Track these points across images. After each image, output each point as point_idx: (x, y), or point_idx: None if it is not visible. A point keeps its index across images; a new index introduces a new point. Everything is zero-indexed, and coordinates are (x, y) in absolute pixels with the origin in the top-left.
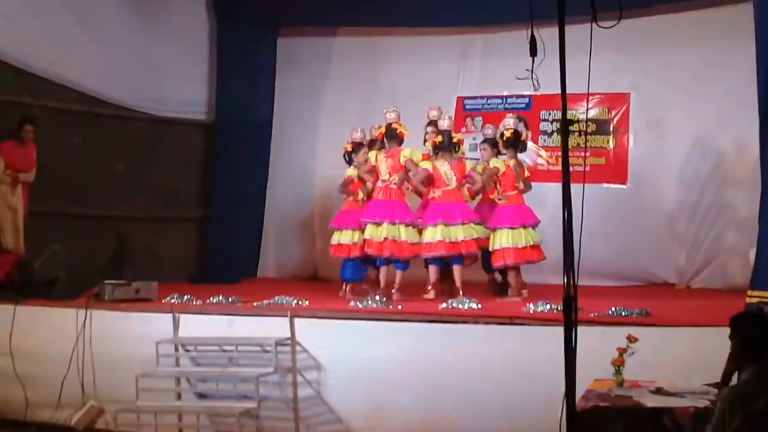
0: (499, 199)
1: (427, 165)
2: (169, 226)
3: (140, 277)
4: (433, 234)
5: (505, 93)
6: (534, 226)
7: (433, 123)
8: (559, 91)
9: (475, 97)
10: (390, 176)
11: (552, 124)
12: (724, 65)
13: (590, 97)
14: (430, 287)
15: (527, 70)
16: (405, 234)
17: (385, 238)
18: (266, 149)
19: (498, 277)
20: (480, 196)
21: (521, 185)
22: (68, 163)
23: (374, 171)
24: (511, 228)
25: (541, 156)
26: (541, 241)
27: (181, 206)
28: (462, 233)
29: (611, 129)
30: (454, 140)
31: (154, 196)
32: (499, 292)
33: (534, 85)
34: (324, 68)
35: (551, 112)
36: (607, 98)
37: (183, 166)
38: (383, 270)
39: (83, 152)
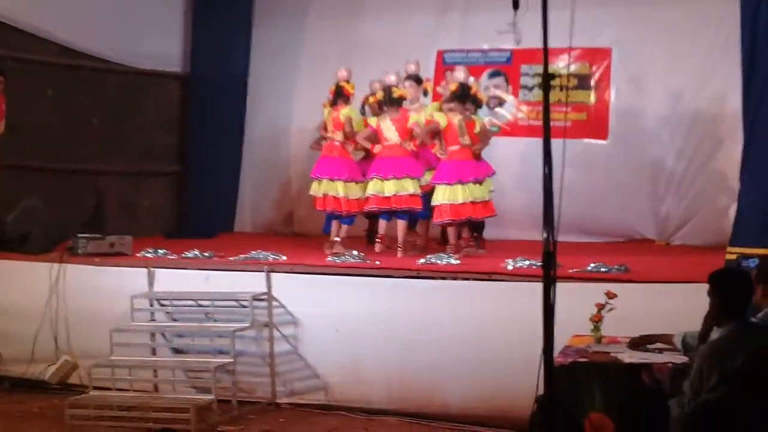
0: (441, 154)
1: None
2: (146, 180)
3: (116, 231)
4: (367, 189)
5: (485, 47)
6: (477, 182)
7: (411, 77)
8: (541, 45)
9: (455, 51)
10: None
11: (533, 78)
12: (707, 20)
13: (572, 52)
14: (377, 240)
15: (509, 23)
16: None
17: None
18: (242, 103)
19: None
20: None
21: (465, 140)
22: (42, 116)
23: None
24: (448, 184)
25: (521, 111)
26: (489, 197)
27: (158, 160)
28: (393, 188)
29: (592, 84)
30: (395, 95)
31: (130, 150)
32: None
33: (516, 38)
34: (301, 21)
35: (532, 66)
36: (589, 53)
37: (159, 120)
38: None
39: (58, 105)
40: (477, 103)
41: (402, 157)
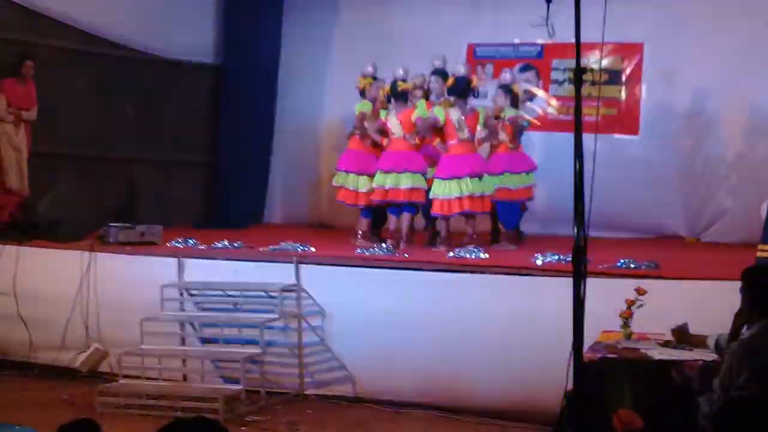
0: (442, 149)
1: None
2: (177, 170)
3: (147, 220)
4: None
5: (516, 41)
6: (475, 177)
7: (437, 71)
8: (572, 40)
9: (487, 45)
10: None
11: (564, 72)
12: (738, 16)
13: (603, 47)
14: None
15: (542, 17)
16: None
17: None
18: (273, 94)
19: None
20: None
21: (464, 135)
22: (75, 104)
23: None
24: (442, 179)
25: (552, 105)
26: (490, 192)
27: (189, 150)
28: (394, 181)
29: (623, 79)
30: (400, 89)
31: (162, 140)
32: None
33: (549, 31)
34: (332, 13)
35: (563, 60)
36: (621, 48)
37: (191, 110)
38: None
39: (90, 93)
40: (514, 98)
41: (404, 151)
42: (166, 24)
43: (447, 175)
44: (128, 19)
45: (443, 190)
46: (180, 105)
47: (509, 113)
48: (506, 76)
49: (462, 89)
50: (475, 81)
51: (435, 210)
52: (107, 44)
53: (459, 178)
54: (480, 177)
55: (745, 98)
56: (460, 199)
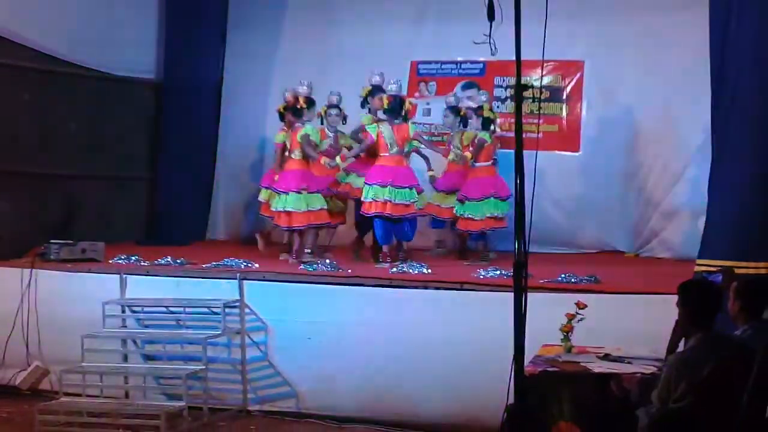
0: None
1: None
2: (119, 186)
3: (89, 237)
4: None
5: (459, 58)
6: (404, 188)
7: (376, 88)
8: (513, 58)
9: (429, 62)
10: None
11: (506, 90)
12: (677, 34)
13: (545, 64)
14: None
15: (485, 34)
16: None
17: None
18: (215, 111)
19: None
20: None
21: (394, 150)
22: (16, 120)
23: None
24: (368, 184)
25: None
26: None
27: (132, 167)
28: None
29: (564, 96)
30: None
31: (104, 156)
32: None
33: (491, 49)
34: (276, 30)
35: (505, 78)
36: (561, 66)
37: (133, 126)
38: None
39: (33, 110)
40: (485, 120)
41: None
42: (108, 40)
43: (374, 181)
44: (70, 35)
45: (368, 194)
46: (123, 121)
47: (481, 135)
48: (450, 99)
49: (396, 109)
50: (407, 102)
51: (363, 209)
52: (49, 60)
53: (383, 185)
54: (410, 188)
55: (683, 116)
56: (383, 202)
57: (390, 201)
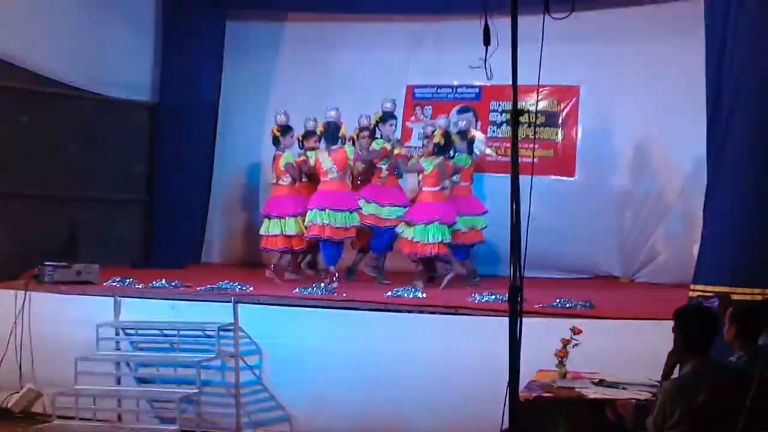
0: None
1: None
2: (115, 209)
3: (84, 259)
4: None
5: (455, 83)
6: (343, 211)
7: (388, 115)
8: (510, 82)
9: (425, 86)
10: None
11: (501, 114)
12: (673, 60)
13: (540, 89)
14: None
15: (480, 59)
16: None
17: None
18: (211, 134)
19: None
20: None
21: (333, 173)
22: (13, 142)
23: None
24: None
25: (490, 147)
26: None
27: (128, 189)
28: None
29: (560, 121)
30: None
31: (101, 178)
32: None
33: (487, 74)
34: (273, 54)
35: (501, 102)
36: (557, 90)
37: (130, 148)
38: None
39: (29, 132)
40: (469, 143)
41: (287, 195)
42: (106, 63)
43: (313, 205)
44: (68, 57)
45: (308, 218)
46: (119, 143)
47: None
48: (440, 122)
49: (332, 135)
50: (343, 128)
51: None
52: (47, 83)
53: (322, 209)
54: (349, 211)
55: (679, 142)
56: (322, 225)
57: (330, 224)
